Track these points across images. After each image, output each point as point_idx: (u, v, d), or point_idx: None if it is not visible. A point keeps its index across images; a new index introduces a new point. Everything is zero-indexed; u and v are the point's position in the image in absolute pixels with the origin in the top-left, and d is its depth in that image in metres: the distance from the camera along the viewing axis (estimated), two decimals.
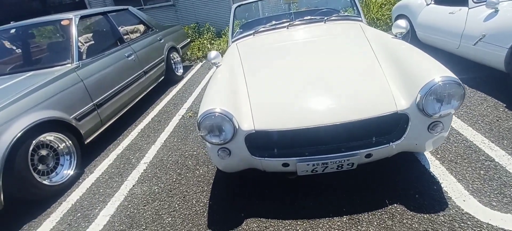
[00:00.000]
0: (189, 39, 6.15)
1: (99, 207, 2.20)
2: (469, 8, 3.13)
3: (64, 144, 2.55)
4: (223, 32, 7.77)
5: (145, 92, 4.09)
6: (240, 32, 3.02)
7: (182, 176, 2.38)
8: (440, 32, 3.52)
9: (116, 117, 3.36)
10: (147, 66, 4.12)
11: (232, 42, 2.94)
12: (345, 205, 1.75)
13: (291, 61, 2.15)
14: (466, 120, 2.43)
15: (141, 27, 4.73)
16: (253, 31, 2.85)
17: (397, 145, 1.63)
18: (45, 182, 2.32)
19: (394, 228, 1.55)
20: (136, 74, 3.79)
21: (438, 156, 2.04)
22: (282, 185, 2.03)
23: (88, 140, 2.88)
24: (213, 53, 2.22)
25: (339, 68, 1.94)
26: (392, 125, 1.66)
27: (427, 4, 3.93)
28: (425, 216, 1.58)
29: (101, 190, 2.40)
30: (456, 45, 3.22)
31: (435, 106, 1.50)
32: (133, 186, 2.38)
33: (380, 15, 6.43)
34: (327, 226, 1.64)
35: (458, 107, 1.49)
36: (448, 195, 1.69)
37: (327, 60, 2.05)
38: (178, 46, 5.36)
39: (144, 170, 2.58)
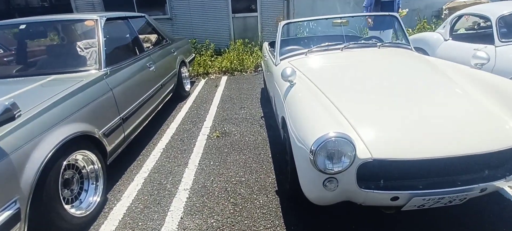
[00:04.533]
0: (194, 54, 5.87)
1: None
2: (496, 47, 3.32)
3: (91, 166, 2.11)
4: (223, 50, 7.59)
5: (159, 107, 3.70)
6: (289, 50, 2.87)
7: (240, 207, 2.06)
8: None
9: (136, 133, 2.94)
10: (164, 79, 3.76)
11: (281, 60, 2.77)
12: None
13: (375, 83, 2.03)
14: None
15: (153, 37, 4.38)
16: (306, 50, 2.71)
17: (509, 178, 1.53)
18: (73, 213, 1.86)
19: None
20: (156, 86, 3.42)
21: None
22: (368, 220, 1.82)
23: (110, 160, 2.44)
24: (288, 70, 2.01)
25: (433, 93, 1.85)
26: (505, 158, 1.56)
27: (445, 40, 4.14)
28: None
29: (140, 223, 1.98)
30: None
31: None
32: (181, 218, 2.00)
33: None
34: None
35: None
36: None
37: (415, 85, 1.97)
38: (187, 60, 5.06)
39: (187, 198, 2.21)
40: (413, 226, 1.76)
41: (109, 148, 2.33)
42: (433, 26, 7.39)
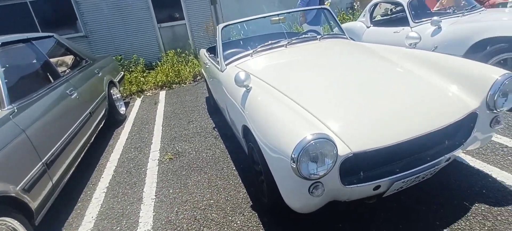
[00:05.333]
0: (123, 72, 5.24)
1: None
2: (411, 27, 3.75)
3: None
4: (155, 64, 7.01)
5: (92, 139, 3.14)
6: (232, 53, 2.70)
7: None
8: None
9: (68, 177, 2.40)
10: (92, 105, 3.21)
11: (227, 65, 2.58)
12: (437, 219, 1.65)
13: (329, 76, 2.01)
14: None
15: (68, 59, 3.71)
16: (251, 51, 2.59)
17: (466, 144, 1.67)
18: None
19: (497, 227, 1.54)
20: (83, 115, 2.87)
21: (464, 153, 2.22)
22: (350, 215, 1.79)
23: (39, 218, 1.92)
24: (242, 75, 1.84)
25: (386, 79, 1.91)
26: (459, 126, 1.69)
27: (368, 27, 4.54)
28: (509, 207, 1.65)
29: None
30: None
31: (502, 101, 1.61)
32: None
33: None
34: None
35: None
36: (506, 183, 1.83)
37: (368, 73, 2.00)
38: (115, 80, 4.47)
39: None
40: (390, 210, 1.79)
41: (34, 205, 1.81)
42: (351, 17, 8.13)
